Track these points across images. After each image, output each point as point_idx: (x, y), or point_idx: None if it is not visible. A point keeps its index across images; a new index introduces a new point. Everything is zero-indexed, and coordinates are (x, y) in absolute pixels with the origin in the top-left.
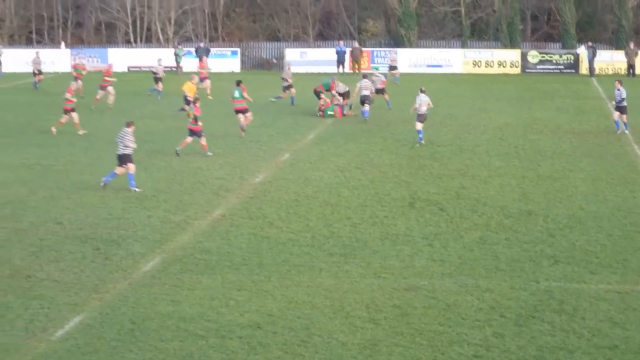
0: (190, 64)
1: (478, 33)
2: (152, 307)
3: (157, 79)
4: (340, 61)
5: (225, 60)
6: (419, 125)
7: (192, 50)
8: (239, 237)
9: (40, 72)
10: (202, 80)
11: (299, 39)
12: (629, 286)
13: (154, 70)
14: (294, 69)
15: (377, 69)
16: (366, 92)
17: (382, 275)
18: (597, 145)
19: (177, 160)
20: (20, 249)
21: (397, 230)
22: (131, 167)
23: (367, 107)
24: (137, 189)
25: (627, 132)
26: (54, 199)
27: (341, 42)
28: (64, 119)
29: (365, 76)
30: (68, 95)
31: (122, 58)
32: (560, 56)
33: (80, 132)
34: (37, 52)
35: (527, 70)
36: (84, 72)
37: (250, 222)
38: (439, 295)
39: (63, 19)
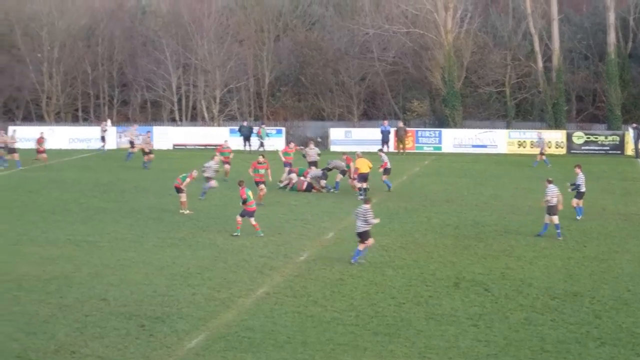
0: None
1: (523, 114)
2: None
3: (311, 164)
4: (385, 140)
5: (270, 140)
6: (555, 219)
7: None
8: (283, 315)
9: (133, 145)
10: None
11: (343, 118)
12: None
13: (303, 153)
14: (340, 148)
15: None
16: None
17: (426, 356)
18: None
19: (221, 238)
20: (65, 325)
21: (442, 310)
22: (370, 242)
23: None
24: (362, 261)
25: (578, 218)
26: (99, 276)
27: (386, 122)
28: (182, 198)
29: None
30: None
31: (167, 136)
32: (606, 137)
33: (186, 212)
34: (134, 126)
35: (572, 151)
36: (231, 156)
37: (294, 300)
38: None
39: (109, 96)
